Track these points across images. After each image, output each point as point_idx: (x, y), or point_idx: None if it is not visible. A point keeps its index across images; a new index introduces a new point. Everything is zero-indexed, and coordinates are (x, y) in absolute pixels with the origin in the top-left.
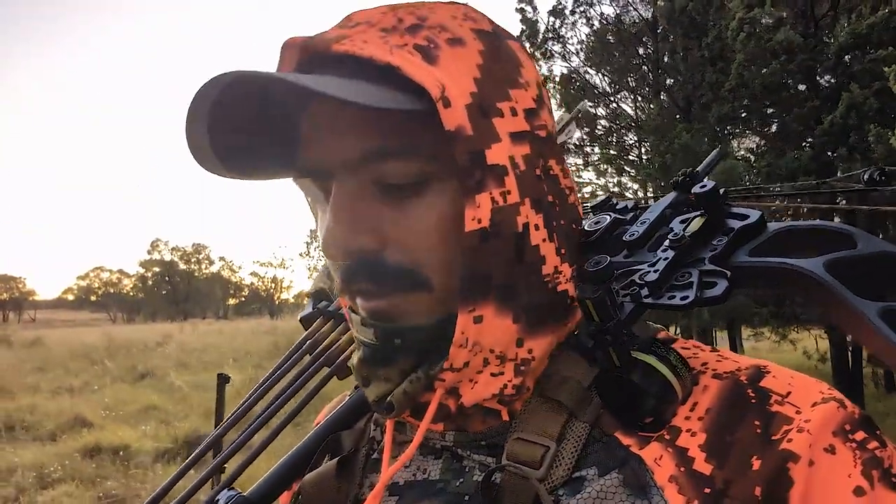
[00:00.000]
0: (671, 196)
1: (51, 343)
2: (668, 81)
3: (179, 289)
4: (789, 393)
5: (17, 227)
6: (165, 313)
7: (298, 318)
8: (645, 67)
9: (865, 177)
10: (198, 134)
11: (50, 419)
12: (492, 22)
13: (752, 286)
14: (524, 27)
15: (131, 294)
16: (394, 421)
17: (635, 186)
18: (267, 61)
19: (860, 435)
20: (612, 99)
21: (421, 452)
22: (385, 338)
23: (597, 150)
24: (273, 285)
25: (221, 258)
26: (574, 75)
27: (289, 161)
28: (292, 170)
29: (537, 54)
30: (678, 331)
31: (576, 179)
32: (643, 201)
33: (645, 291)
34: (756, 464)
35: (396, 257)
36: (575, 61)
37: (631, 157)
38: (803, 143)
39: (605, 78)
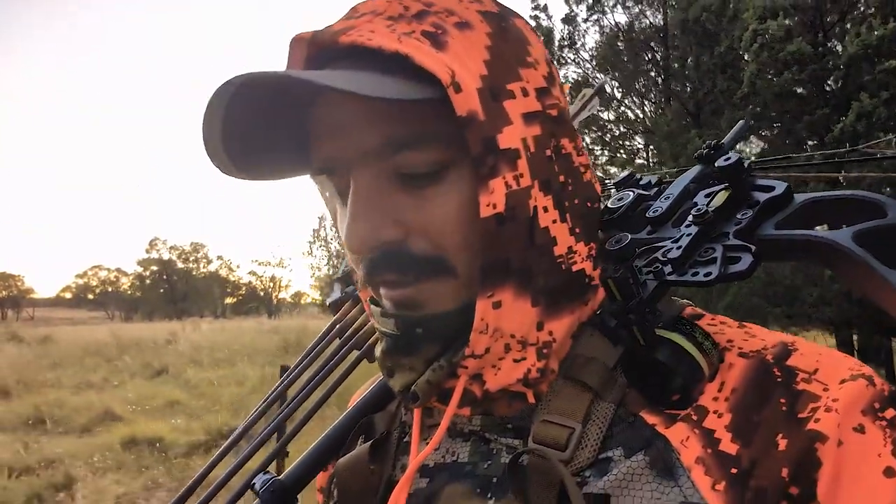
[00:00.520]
0: (696, 170)
1: (61, 340)
2: (676, 87)
3: (177, 287)
4: (817, 370)
5: (15, 226)
6: (163, 312)
7: (327, 302)
8: (654, 73)
9: None
10: (214, 138)
11: (79, 413)
12: (496, 2)
13: (778, 259)
14: (539, 34)
15: (129, 292)
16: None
17: None
18: (267, 61)
19: (890, 413)
20: (620, 102)
21: (450, 435)
22: (406, 327)
23: (606, 152)
24: (272, 284)
25: (219, 257)
26: (587, 81)
27: (303, 159)
28: (308, 167)
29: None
30: None
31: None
32: (666, 176)
33: (668, 268)
34: (782, 443)
35: (420, 245)
36: (587, 67)
37: (638, 161)
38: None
39: (615, 82)
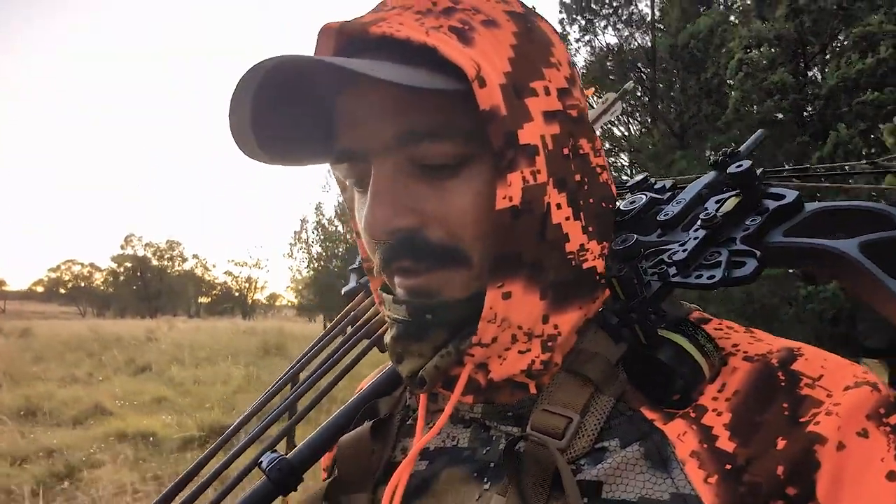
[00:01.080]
0: (710, 176)
1: (40, 334)
2: (662, 109)
3: (151, 285)
4: (821, 376)
5: None
6: (135, 309)
7: (342, 291)
8: (640, 93)
9: None
10: (241, 121)
11: (68, 406)
12: (522, 3)
13: (784, 266)
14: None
15: (102, 288)
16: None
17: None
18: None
19: (894, 419)
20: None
21: (451, 421)
22: (416, 313)
23: None
24: (247, 285)
25: (195, 256)
26: None
27: (322, 147)
28: (330, 154)
29: None
30: None
31: None
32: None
33: (672, 270)
34: (781, 444)
35: (437, 234)
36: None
37: (623, 178)
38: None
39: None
